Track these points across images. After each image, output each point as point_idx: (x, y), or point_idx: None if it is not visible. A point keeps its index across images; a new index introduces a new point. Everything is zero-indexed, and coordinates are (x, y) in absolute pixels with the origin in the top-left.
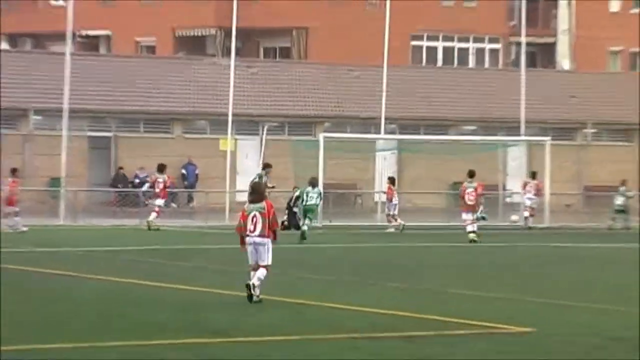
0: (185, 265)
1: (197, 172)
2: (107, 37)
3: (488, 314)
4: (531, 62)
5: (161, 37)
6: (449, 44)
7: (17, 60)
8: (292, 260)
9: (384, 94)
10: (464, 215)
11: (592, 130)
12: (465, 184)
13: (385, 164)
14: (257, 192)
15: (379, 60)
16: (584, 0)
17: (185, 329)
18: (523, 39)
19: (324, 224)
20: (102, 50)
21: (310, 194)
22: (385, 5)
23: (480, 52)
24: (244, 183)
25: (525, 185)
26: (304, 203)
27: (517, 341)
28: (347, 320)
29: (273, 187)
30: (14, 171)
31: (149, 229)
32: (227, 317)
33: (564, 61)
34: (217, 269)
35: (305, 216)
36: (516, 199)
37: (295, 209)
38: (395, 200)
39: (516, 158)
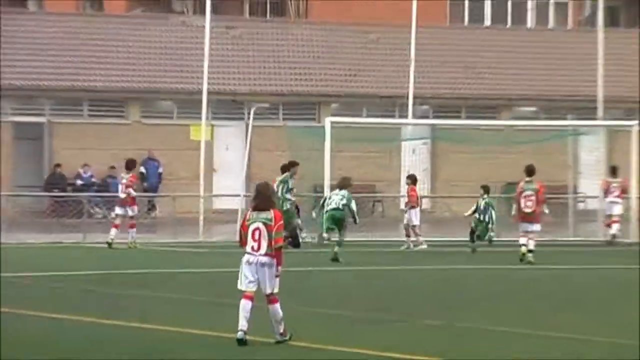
0: (147, 296)
1: (160, 170)
2: None
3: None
4: (612, 20)
5: None
6: None
7: None
8: (293, 289)
9: (412, 63)
10: (522, 228)
11: None
12: (521, 184)
13: (414, 159)
14: (263, 196)
15: (405, 19)
16: None
17: None
18: None
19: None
20: (32, 6)
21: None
22: None
23: (542, 7)
24: (223, 184)
25: (607, 185)
26: (326, 209)
27: None
28: None
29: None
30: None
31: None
32: None
33: None
34: (189, 300)
35: (328, 228)
36: (592, 204)
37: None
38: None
39: (592, 149)
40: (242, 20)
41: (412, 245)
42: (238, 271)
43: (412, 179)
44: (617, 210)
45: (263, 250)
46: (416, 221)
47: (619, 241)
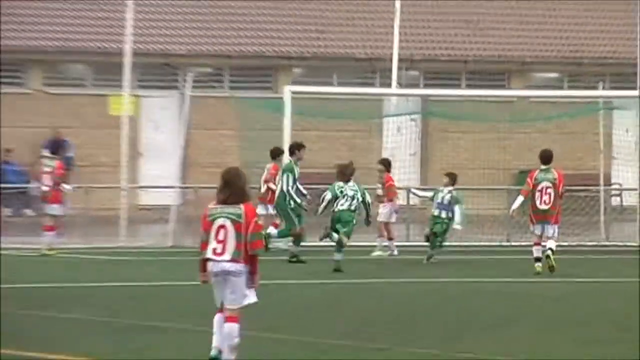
0: (50, 318)
1: (70, 154)
2: None
3: None
4: None
5: None
6: None
7: None
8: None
9: (397, 16)
10: (537, 231)
11: None
12: (535, 174)
13: (399, 140)
14: (234, 187)
15: None
16: None
17: None
18: None
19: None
20: None
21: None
22: None
23: None
24: (152, 173)
25: None
26: (334, 208)
27: None
28: None
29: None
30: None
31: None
32: None
33: None
34: (106, 323)
35: (335, 230)
36: (630, 199)
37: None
38: (397, 202)
39: (631, 128)
40: None
41: (382, 252)
42: (171, 284)
43: (386, 164)
44: None
45: (229, 254)
46: (393, 218)
47: None
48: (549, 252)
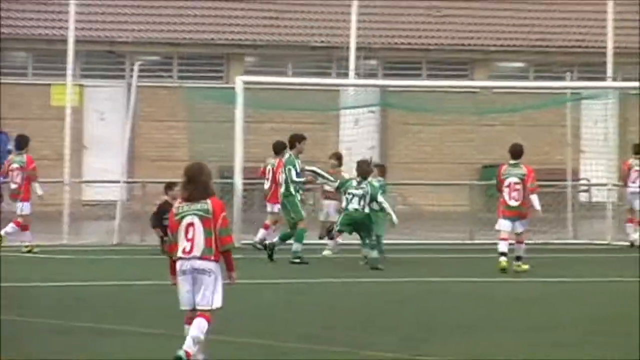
0: None
1: (9, 147)
2: None
3: None
4: None
5: None
6: None
7: None
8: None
9: (355, 2)
10: (504, 227)
11: None
12: (504, 168)
13: (357, 133)
14: (197, 183)
15: None
16: None
17: None
18: None
19: (243, 242)
20: None
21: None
22: None
23: None
24: (97, 167)
25: (627, 169)
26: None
27: None
28: None
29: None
30: None
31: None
32: None
33: None
34: (48, 325)
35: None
36: (599, 195)
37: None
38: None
39: (600, 120)
40: None
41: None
42: (119, 284)
43: (339, 159)
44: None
45: (198, 251)
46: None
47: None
48: (503, 260)
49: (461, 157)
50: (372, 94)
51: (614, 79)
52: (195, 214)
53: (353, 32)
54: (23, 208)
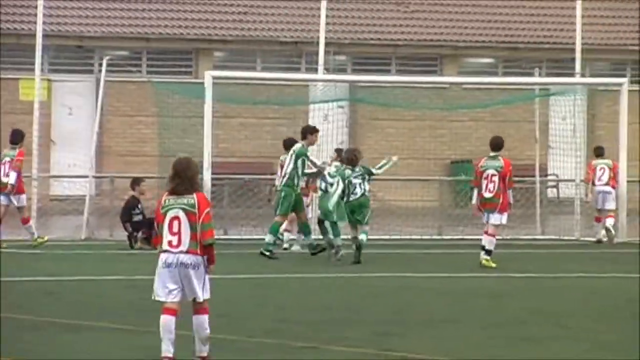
0: None
1: None
2: None
3: None
4: None
5: None
6: None
7: None
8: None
9: None
10: (484, 219)
11: None
12: (483, 161)
13: (326, 128)
14: (183, 177)
15: None
16: None
17: None
18: None
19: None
20: None
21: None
22: None
23: None
24: (65, 162)
25: (592, 172)
26: (346, 198)
27: None
28: None
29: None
30: None
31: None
32: None
33: None
34: (25, 321)
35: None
36: (566, 190)
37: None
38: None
39: (568, 115)
40: None
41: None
42: (88, 279)
43: (338, 153)
44: (610, 202)
45: (185, 245)
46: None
47: (606, 241)
48: (484, 254)
49: (430, 152)
50: (341, 89)
51: (582, 75)
52: (180, 208)
53: (322, 28)
54: (20, 200)
